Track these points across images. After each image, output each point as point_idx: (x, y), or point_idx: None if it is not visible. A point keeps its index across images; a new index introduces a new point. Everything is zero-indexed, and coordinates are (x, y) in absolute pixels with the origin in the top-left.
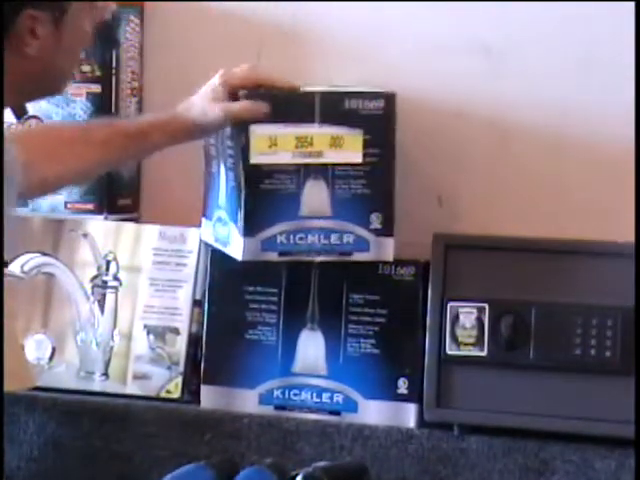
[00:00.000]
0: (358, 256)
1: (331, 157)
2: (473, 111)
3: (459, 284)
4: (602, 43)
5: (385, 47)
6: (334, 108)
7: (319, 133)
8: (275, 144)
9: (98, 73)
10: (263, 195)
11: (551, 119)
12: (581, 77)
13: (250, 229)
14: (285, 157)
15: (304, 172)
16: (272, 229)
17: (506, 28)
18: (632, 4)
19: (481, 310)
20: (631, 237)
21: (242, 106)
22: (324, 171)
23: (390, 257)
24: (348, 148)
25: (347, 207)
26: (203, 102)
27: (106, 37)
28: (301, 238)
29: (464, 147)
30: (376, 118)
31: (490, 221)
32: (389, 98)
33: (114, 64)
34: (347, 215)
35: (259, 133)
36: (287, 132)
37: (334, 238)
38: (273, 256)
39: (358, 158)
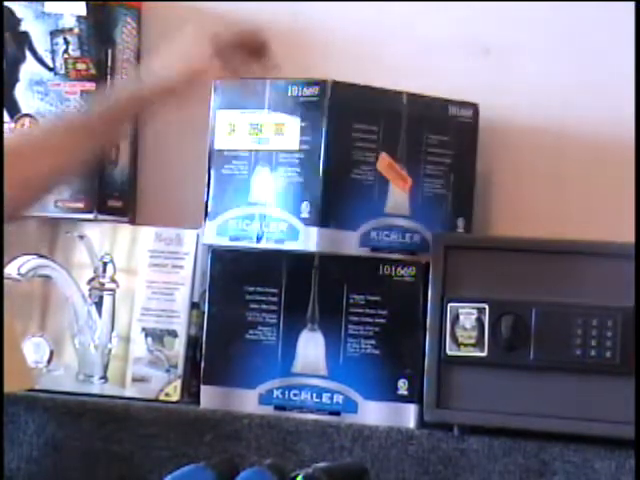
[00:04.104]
0: (289, 245)
1: (275, 144)
2: None
3: (459, 284)
4: (602, 43)
5: (385, 47)
6: (279, 94)
7: (267, 120)
8: (234, 130)
9: (93, 71)
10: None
11: (551, 119)
12: (581, 77)
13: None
14: (240, 143)
15: (254, 158)
16: (226, 214)
17: (506, 28)
18: (632, 4)
19: (481, 310)
20: (631, 237)
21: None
22: (269, 158)
23: (314, 248)
24: (288, 135)
25: (284, 194)
26: (192, 58)
27: (101, 35)
28: (247, 224)
29: None
30: (311, 104)
31: (490, 221)
32: (323, 85)
33: (109, 63)
34: (283, 203)
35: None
36: (243, 119)
37: (272, 226)
38: (224, 241)
39: (295, 145)
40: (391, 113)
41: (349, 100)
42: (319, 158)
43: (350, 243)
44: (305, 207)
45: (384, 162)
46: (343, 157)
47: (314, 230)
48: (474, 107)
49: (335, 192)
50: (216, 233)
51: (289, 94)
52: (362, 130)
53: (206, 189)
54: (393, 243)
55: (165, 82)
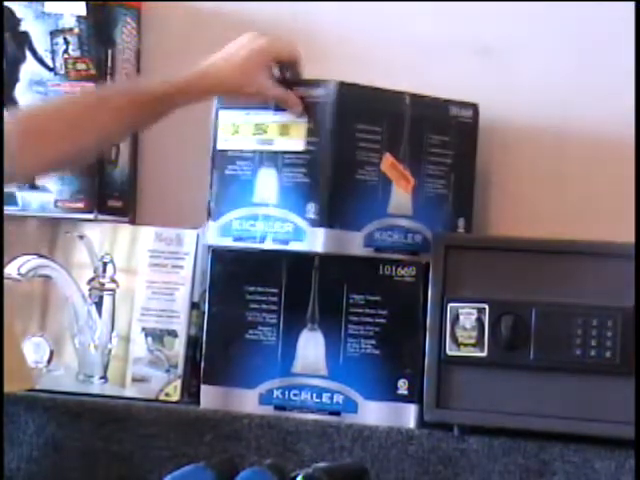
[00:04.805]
0: (294, 245)
1: (280, 145)
2: None
3: (459, 284)
4: (602, 43)
5: (385, 47)
6: None
7: (271, 121)
8: (237, 131)
9: (93, 72)
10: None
11: (551, 119)
12: (581, 77)
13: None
14: (243, 144)
15: (259, 159)
16: (229, 214)
17: (506, 28)
18: (632, 4)
19: (481, 310)
20: (631, 237)
21: (294, 101)
22: (275, 159)
23: (321, 248)
24: (293, 136)
25: (290, 195)
26: (245, 71)
27: (101, 35)
28: (252, 225)
29: None
30: (318, 106)
31: (490, 221)
32: (329, 86)
33: (109, 63)
34: (288, 204)
35: (225, 120)
36: (248, 120)
37: (277, 226)
38: (228, 241)
39: (300, 146)
40: (394, 114)
41: (354, 101)
42: (326, 159)
43: (355, 244)
44: (311, 208)
45: (387, 162)
46: (348, 158)
47: (320, 231)
48: (474, 107)
49: (341, 193)
50: (219, 234)
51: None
52: (366, 131)
53: (209, 189)
54: (396, 243)
55: (213, 86)
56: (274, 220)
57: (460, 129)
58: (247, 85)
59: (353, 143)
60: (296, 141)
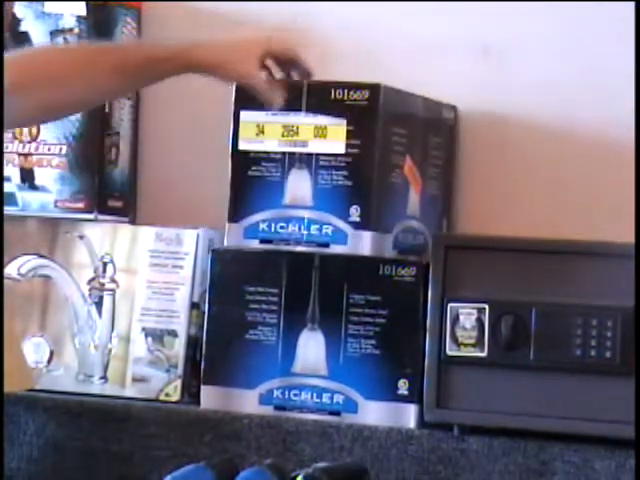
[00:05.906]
0: (336, 248)
1: (315, 147)
2: (473, 111)
3: (459, 285)
4: (602, 43)
5: (385, 47)
6: (320, 98)
7: (304, 123)
8: (262, 132)
9: None
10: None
11: (551, 119)
12: (581, 77)
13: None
14: (271, 145)
15: (289, 161)
16: (255, 216)
17: (506, 28)
18: (632, 4)
19: (481, 311)
20: (631, 237)
21: (274, 96)
22: (308, 161)
23: (367, 251)
24: (331, 138)
25: (327, 198)
26: (235, 51)
27: (101, 35)
28: (282, 227)
29: (464, 147)
30: (360, 108)
31: (490, 221)
32: (374, 89)
33: None
34: (327, 206)
35: (247, 120)
36: (274, 120)
37: (313, 229)
38: (254, 243)
39: (341, 148)
40: (413, 116)
41: (392, 104)
42: (370, 162)
43: (388, 246)
44: (355, 211)
45: (407, 165)
46: (385, 161)
47: (366, 234)
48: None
49: (380, 196)
50: (244, 235)
51: (332, 97)
52: (398, 134)
53: (230, 191)
54: (412, 245)
55: (205, 60)
56: (310, 223)
57: (448, 131)
58: (234, 65)
59: (389, 146)
60: (335, 143)
